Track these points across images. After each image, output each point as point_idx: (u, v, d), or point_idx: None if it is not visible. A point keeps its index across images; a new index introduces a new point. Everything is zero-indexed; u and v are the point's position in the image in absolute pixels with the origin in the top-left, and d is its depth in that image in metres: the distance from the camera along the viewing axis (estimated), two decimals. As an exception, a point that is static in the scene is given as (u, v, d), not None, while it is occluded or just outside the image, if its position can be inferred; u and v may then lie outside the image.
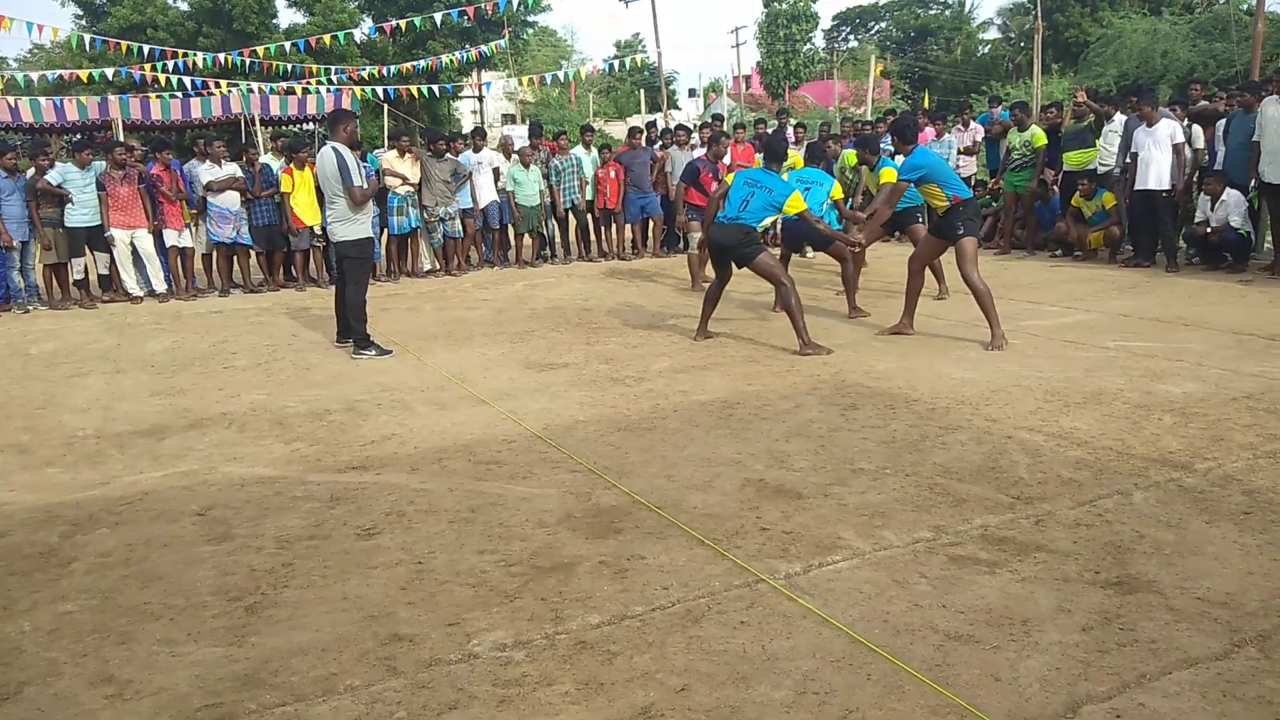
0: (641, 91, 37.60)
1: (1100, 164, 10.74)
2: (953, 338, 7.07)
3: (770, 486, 4.18)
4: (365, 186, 7.34)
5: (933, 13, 55.64)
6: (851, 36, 61.48)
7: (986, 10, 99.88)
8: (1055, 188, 11.67)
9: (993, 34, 51.71)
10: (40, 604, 3.31)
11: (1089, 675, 2.61)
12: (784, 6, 47.43)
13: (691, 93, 57.11)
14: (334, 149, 7.15)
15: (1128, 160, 10.24)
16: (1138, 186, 9.94)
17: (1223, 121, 9.96)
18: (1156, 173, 9.76)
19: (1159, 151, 9.72)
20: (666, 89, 31.97)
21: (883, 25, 59.35)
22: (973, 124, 13.48)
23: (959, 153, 12.95)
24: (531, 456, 4.74)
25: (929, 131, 13.25)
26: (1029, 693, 2.54)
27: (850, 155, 10.61)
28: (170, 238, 10.49)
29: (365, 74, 25.37)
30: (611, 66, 35.55)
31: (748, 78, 50.11)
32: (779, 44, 47.50)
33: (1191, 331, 6.92)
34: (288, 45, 23.96)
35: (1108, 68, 27.57)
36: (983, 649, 2.77)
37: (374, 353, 7.26)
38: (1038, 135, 11.30)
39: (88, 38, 23.24)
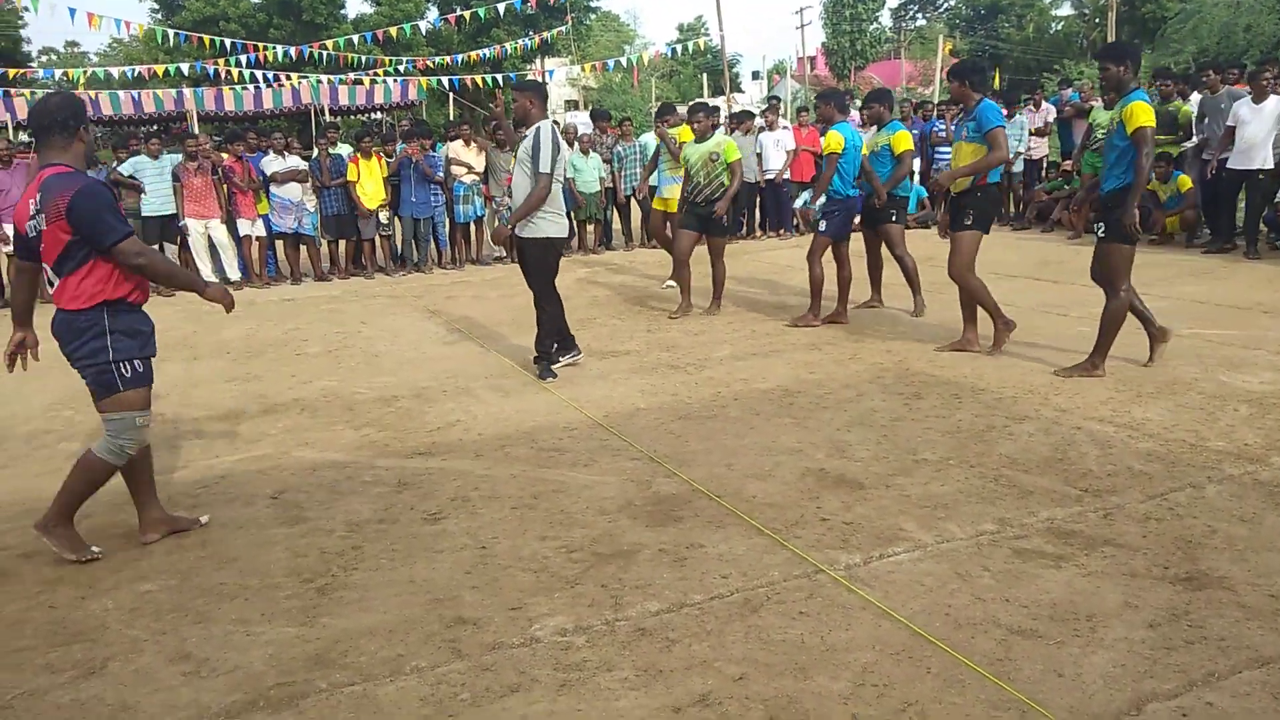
0: (704, 75, 37.42)
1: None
2: (1027, 326, 6.93)
3: (831, 476, 4.17)
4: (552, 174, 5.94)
5: (1004, -11, 54.26)
6: (920, 15, 60.39)
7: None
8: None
9: (1066, 10, 50.24)
10: (122, 583, 3.46)
11: (1155, 673, 2.57)
12: (850, -14, 46.78)
13: (755, 75, 56.56)
14: (542, 126, 5.98)
15: (1205, 136, 9.90)
16: (1236, 165, 9.36)
17: None
18: (1262, 152, 9.16)
19: (1264, 129, 9.14)
20: (729, 72, 31.75)
21: (952, 3, 58.11)
22: (1045, 104, 13.15)
23: (1030, 134, 12.67)
24: (593, 444, 4.79)
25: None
26: (1092, 689, 2.51)
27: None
28: (244, 227, 10.76)
29: (432, 63, 25.66)
30: (674, 50, 35.39)
31: (813, 59, 49.54)
32: (845, 24, 46.88)
33: (1271, 319, 6.70)
34: (355, 38, 24.33)
35: (1186, 44, 26.61)
36: (1046, 644, 2.74)
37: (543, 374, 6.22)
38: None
39: (171, 32, 23.87)
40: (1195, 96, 10.46)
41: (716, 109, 14.72)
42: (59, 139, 3.50)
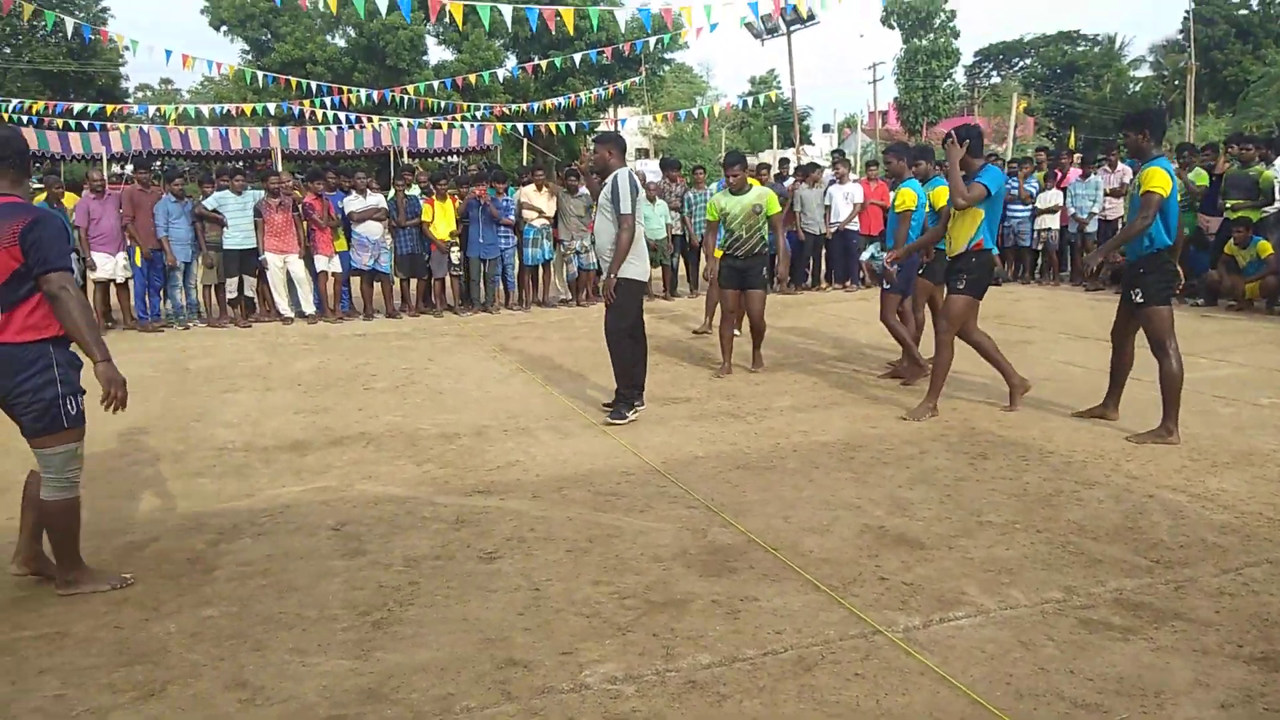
0: (774, 127, 37.65)
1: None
2: (1098, 388, 6.77)
3: (891, 534, 4.10)
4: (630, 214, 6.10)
5: (1080, 49, 53.73)
6: (995, 73, 60.03)
7: (1139, 47, 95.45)
8: (1211, 235, 11.01)
9: (1145, 71, 49.68)
10: (185, 608, 3.53)
11: (1227, 757, 2.46)
12: (924, 43, 46.80)
13: (825, 128, 56.75)
14: (619, 173, 6.19)
15: None
16: None
17: None
18: None
19: None
20: (800, 125, 31.92)
21: (1027, 61, 57.70)
22: (1120, 165, 12.95)
23: (1105, 194, 12.48)
24: (650, 490, 4.78)
25: (1074, 172, 12.84)
26: (1160, 770, 2.41)
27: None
28: (321, 263, 11.07)
29: (508, 110, 26.25)
30: (745, 102, 35.72)
31: (884, 113, 49.55)
32: (918, 80, 46.83)
33: (1359, 391, 6.46)
34: (436, 84, 25.05)
35: (1270, 108, 26.08)
36: (1111, 720, 2.64)
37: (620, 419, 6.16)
38: (1200, 175, 10.78)
39: (260, 74, 24.84)
40: (1279, 162, 10.23)
41: (759, 164, 14.86)
42: (13, 173, 3.51)
